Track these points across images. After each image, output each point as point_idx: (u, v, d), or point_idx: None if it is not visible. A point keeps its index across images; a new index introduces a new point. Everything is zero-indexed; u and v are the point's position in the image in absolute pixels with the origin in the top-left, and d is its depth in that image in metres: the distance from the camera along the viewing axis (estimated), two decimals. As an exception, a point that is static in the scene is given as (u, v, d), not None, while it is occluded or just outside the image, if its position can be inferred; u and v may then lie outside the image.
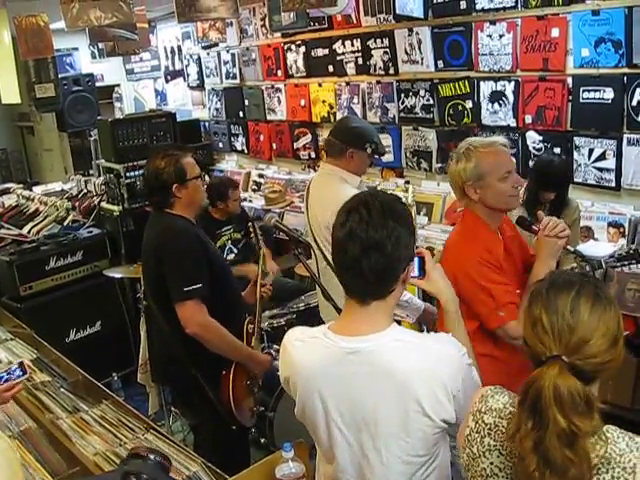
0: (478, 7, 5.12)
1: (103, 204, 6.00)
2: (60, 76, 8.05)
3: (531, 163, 5.10)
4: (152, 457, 1.75)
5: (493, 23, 5.07)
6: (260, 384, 3.77)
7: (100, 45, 7.78)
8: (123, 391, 5.22)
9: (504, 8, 4.96)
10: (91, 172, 7.65)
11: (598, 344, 1.55)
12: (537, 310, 1.64)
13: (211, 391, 3.42)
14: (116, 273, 5.21)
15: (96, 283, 5.53)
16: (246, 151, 8.02)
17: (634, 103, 4.44)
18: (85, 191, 6.73)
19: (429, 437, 1.89)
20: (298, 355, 2.00)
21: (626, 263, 3.46)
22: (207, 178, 6.52)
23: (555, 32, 4.73)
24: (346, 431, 1.93)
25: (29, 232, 5.71)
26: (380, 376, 1.86)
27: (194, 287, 3.20)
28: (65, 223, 5.88)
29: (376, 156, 4.03)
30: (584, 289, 1.61)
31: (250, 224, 4.02)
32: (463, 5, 5.20)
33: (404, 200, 4.90)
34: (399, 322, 3.58)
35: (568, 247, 2.82)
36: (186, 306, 3.22)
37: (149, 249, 3.46)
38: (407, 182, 5.71)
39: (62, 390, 3.34)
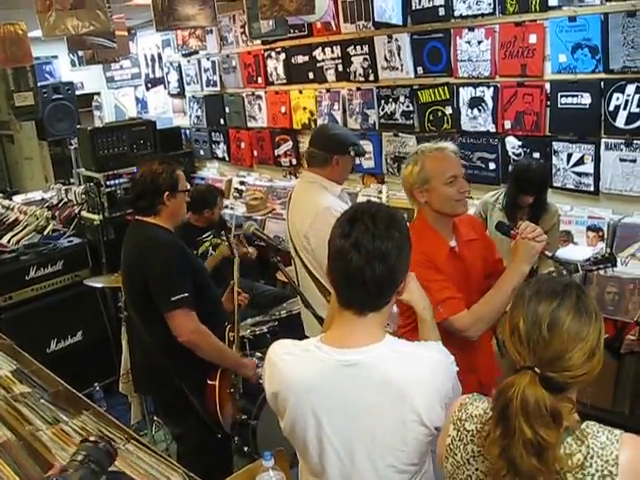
0: (457, 14, 5.15)
1: (83, 213, 5.98)
2: (40, 84, 8.01)
3: (511, 168, 5.13)
4: (101, 444, 1.81)
5: (471, 29, 5.11)
6: (241, 392, 3.78)
7: (80, 53, 7.73)
8: (105, 401, 5.18)
9: (482, 14, 5.00)
10: (72, 181, 7.63)
11: (573, 359, 1.56)
12: (517, 317, 1.65)
13: (195, 400, 3.43)
14: (97, 282, 5.18)
15: (77, 292, 5.49)
16: (227, 158, 8.02)
17: (611, 108, 4.48)
18: (65, 200, 6.70)
19: (423, 445, 1.90)
20: (290, 370, 1.94)
21: (602, 267, 3.50)
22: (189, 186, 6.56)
23: (533, 38, 4.77)
24: (338, 445, 1.90)
25: (9, 242, 5.67)
26: (378, 387, 1.85)
27: (181, 296, 3.22)
28: (45, 232, 5.84)
29: (358, 158, 4.06)
30: (566, 301, 1.62)
31: (223, 232, 4.02)
32: (442, 12, 5.23)
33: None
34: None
35: (546, 252, 2.84)
36: (176, 315, 3.24)
37: (130, 260, 3.46)
38: (380, 192, 5.76)
39: (42, 401, 3.30)
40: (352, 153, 3.80)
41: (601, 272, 4.32)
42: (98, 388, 5.24)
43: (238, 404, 3.79)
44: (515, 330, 1.64)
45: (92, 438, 1.84)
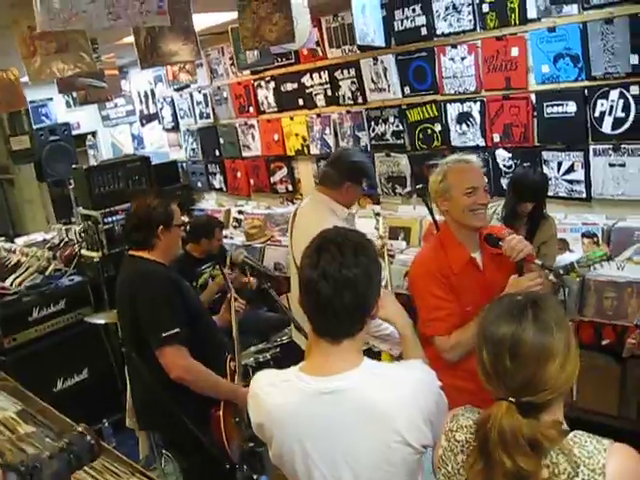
0: (439, 32, 5.22)
1: (83, 251, 6.00)
2: (36, 127, 8.17)
3: (502, 181, 5.18)
4: (88, 437, 1.79)
5: (454, 46, 5.17)
6: (247, 420, 3.73)
7: (74, 94, 7.82)
8: (114, 437, 5.20)
9: (463, 31, 5.06)
10: (73, 220, 7.67)
11: (545, 378, 1.58)
12: (480, 349, 1.69)
13: (201, 432, 3.36)
14: (99, 319, 5.18)
15: (80, 330, 5.50)
16: (224, 189, 8.09)
17: (597, 114, 4.53)
18: (66, 239, 6.73)
19: (411, 464, 1.90)
20: (271, 400, 1.96)
21: (597, 261, 3.54)
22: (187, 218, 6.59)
23: (515, 51, 4.83)
24: (325, 470, 1.90)
25: (11, 284, 5.70)
26: (358, 412, 1.85)
27: (171, 332, 3.18)
28: (47, 273, 5.87)
29: (371, 190, 4.13)
30: (523, 323, 1.63)
31: (218, 266, 3.99)
32: (424, 31, 5.30)
33: (377, 232, 5.01)
34: (379, 353, 3.64)
35: (536, 261, 2.87)
36: (166, 352, 3.21)
37: (123, 296, 3.43)
38: (377, 214, 5.79)
39: (47, 440, 3.33)
40: (364, 185, 3.89)
41: (599, 273, 4.37)
42: (107, 424, 5.25)
43: (244, 433, 3.70)
44: (481, 363, 1.67)
45: (80, 429, 1.82)
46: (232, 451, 3.49)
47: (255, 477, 4.33)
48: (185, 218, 6.42)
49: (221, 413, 3.42)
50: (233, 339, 3.82)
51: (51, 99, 8.76)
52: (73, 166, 6.39)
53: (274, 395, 1.96)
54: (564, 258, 4.69)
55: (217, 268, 5.41)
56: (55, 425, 3.53)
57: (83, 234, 6.02)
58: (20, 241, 7.35)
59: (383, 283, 3.81)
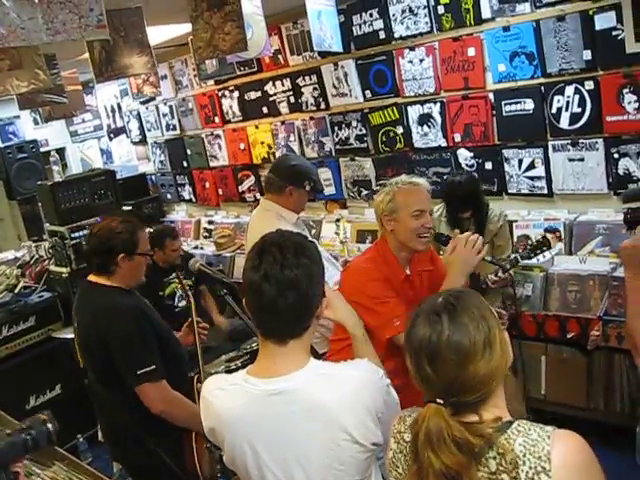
0: (396, 35, 5.27)
1: (52, 267, 5.99)
2: (4, 145, 8.14)
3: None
4: (49, 425, 1.79)
5: (412, 49, 5.22)
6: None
7: (40, 111, 7.80)
8: (90, 452, 5.18)
9: (421, 34, 5.12)
10: (44, 237, 7.64)
11: (467, 380, 1.59)
12: (406, 358, 1.70)
13: (172, 461, 3.25)
14: (69, 334, 5.19)
15: (52, 346, 5.48)
16: (194, 199, 8.09)
17: (554, 110, 4.60)
18: (36, 256, 6.71)
19: (362, 462, 1.92)
20: (220, 404, 1.98)
21: (538, 252, 3.61)
22: (148, 230, 6.54)
23: (471, 51, 4.89)
24: (277, 471, 1.92)
25: (-19, 303, 5.68)
26: (306, 412, 1.87)
27: (149, 369, 3.05)
28: (16, 290, 5.85)
29: (316, 193, 4.14)
30: (438, 326, 1.63)
31: (175, 274, 3.88)
32: (382, 35, 5.35)
33: (339, 238, 5.00)
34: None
35: (485, 258, 2.92)
36: (145, 389, 3.08)
37: (89, 331, 3.22)
38: (337, 220, 5.84)
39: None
40: (307, 188, 3.90)
41: (562, 267, 4.44)
42: (82, 439, 5.23)
43: (215, 457, 3.45)
44: (409, 367, 1.69)
45: (44, 416, 1.82)
46: (204, 478, 3.36)
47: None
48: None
49: (193, 440, 3.31)
50: (199, 363, 3.64)
51: (18, 117, 8.74)
52: (38, 182, 6.36)
53: (222, 399, 1.97)
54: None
55: (186, 278, 5.41)
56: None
57: (51, 250, 6.00)
58: (-10, 260, 7.32)
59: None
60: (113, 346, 3.08)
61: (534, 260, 4.50)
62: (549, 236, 4.75)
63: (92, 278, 3.31)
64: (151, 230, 5.66)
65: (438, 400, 1.61)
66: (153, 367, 3.06)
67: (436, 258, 3.31)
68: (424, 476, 1.58)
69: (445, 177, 5.26)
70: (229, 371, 4.75)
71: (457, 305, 1.66)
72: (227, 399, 1.96)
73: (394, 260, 3.08)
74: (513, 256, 3.91)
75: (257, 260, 1.89)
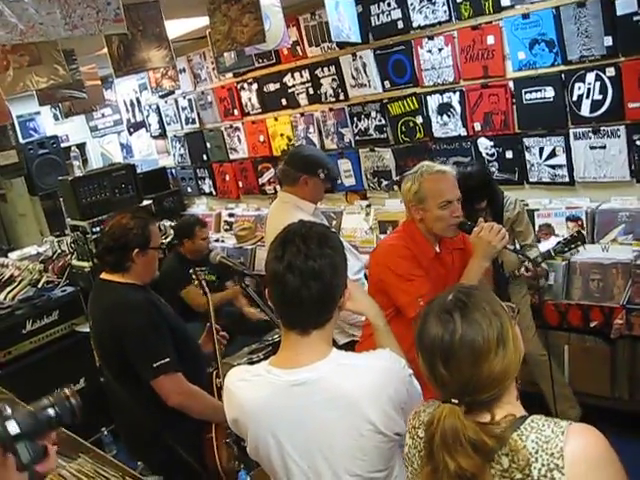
0: (415, 25, 5.23)
1: (74, 262, 6.04)
2: (25, 141, 8.18)
3: (486, 169, 5.20)
4: (73, 402, 1.79)
5: (431, 38, 5.19)
6: (235, 439, 3.45)
7: (60, 106, 7.85)
8: (114, 445, 5.22)
9: (439, 23, 5.08)
10: (66, 232, 7.70)
11: (482, 378, 1.57)
12: (419, 357, 1.68)
13: (192, 458, 3.28)
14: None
15: (75, 340, 5.52)
16: (214, 193, 8.11)
17: (574, 98, 4.55)
18: (59, 251, 6.76)
19: (385, 452, 1.93)
20: (244, 395, 1.98)
21: (572, 247, 3.56)
22: (169, 224, 6.56)
23: (490, 39, 4.85)
24: (301, 461, 1.93)
25: (5, 298, 5.72)
26: (329, 403, 1.87)
27: (163, 362, 3.06)
28: (39, 285, 5.90)
29: (331, 181, 4.13)
30: (449, 328, 1.61)
31: (192, 271, 3.85)
32: (400, 25, 5.32)
33: (366, 225, 4.99)
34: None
35: (508, 246, 2.90)
36: (161, 381, 3.09)
37: (102, 327, 3.26)
38: (368, 206, 5.82)
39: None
40: (321, 176, 3.89)
41: (584, 255, 4.40)
42: (106, 433, 5.27)
43: (235, 454, 3.46)
44: (421, 367, 1.68)
45: (68, 392, 1.82)
46: (227, 475, 3.36)
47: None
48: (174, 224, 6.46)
49: (213, 435, 3.32)
50: (215, 357, 3.64)
51: (38, 113, 8.78)
52: (59, 178, 6.40)
53: (245, 390, 1.98)
54: (550, 243, 4.73)
55: (211, 273, 5.39)
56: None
57: (73, 245, 6.04)
58: (14, 255, 7.38)
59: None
60: (127, 340, 3.10)
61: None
62: (571, 225, 4.75)
63: (105, 276, 3.33)
64: (173, 223, 5.69)
65: (453, 400, 1.59)
66: (168, 359, 3.07)
67: (466, 238, 3.28)
68: (439, 478, 1.57)
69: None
70: (251, 363, 4.76)
71: (468, 302, 1.64)
72: (250, 390, 1.97)
73: (423, 239, 3.08)
74: (546, 249, 3.87)
75: (280, 251, 1.89)
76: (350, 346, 3.58)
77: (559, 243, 3.87)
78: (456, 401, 1.58)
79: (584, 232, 3.87)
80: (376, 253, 3.18)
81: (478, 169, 4.39)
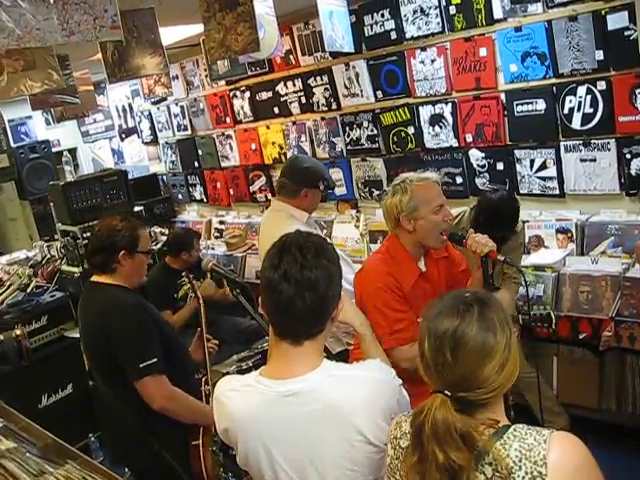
0: (408, 36, 5.27)
1: (64, 267, 6.01)
2: (16, 145, 8.16)
3: (477, 180, 5.23)
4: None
5: (424, 49, 5.22)
6: (221, 446, 3.50)
7: (52, 111, 7.85)
8: (101, 451, 5.19)
9: (432, 34, 5.12)
10: (56, 237, 7.67)
11: (482, 376, 1.59)
12: (422, 342, 1.69)
13: (179, 465, 3.23)
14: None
15: (64, 345, 5.46)
16: (205, 200, 8.12)
17: (565, 111, 4.59)
18: (48, 256, 6.73)
19: (375, 462, 1.92)
20: (234, 405, 1.97)
21: (540, 324, 3.55)
22: (159, 230, 6.55)
23: (483, 51, 4.88)
24: (291, 471, 1.92)
25: (-7, 303, 5.70)
26: (319, 414, 1.87)
27: (150, 362, 3.03)
28: (28, 290, 5.87)
29: (329, 191, 4.15)
30: (467, 319, 1.63)
31: (184, 274, 3.86)
32: (394, 35, 5.35)
33: (357, 231, 4.98)
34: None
35: (499, 257, 2.90)
36: (146, 383, 3.06)
37: (91, 327, 3.26)
38: (358, 211, 5.83)
39: (28, 455, 3.32)
40: (322, 187, 3.90)
41: (570, 267, 4.42)
42: (93, 439, 5.24)
43: (221, 461, 3.52)
44: (422, 354, 1.68)
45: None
46: None
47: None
48: (165, 230, 6.46)
49: (200, 442, 3.31)
50: (205, 364, 3.68)
51: (30, 117, 8.78)
52: (50, 182, 6.38)
53: (236, 400, 1.97)
54: (539, 255, 4.75)
55: (197, 279, 5.39)
56: (38, 441, 3.54)
57: (63, 250, 6.02)
58: (3, 259, 7.35)
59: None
60: (115, 341, 3.08)
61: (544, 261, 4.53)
62: (561, 237, 4.78)
63: (95, 278, 3.32)
64: (164, 230, 5.68)
65: (446, 392, 1.60)
66: (155, 360, 3.05)
67: (449, 245, 3.28)
68: (426, 469, 1.57)
69: (455, 177, 5.30)
70: (240, 371, 4.79)
71: (487, 302, 1.68)
72: (240, 400, 1.97)
73: (407, 258, 3.04)
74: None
75: (277, 259, 1.89)
76: (344, 355, 3.58)
77: (527, 315, 3.84)
78: (449, 393, 1.59)
79: (554, 317, 3.84)
80: (360, 277, 3.11)
81: (510, 197, 4.13)
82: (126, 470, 4.47)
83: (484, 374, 1.59)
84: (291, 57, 6.18)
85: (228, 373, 4.56)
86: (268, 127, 6.85)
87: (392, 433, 1.80)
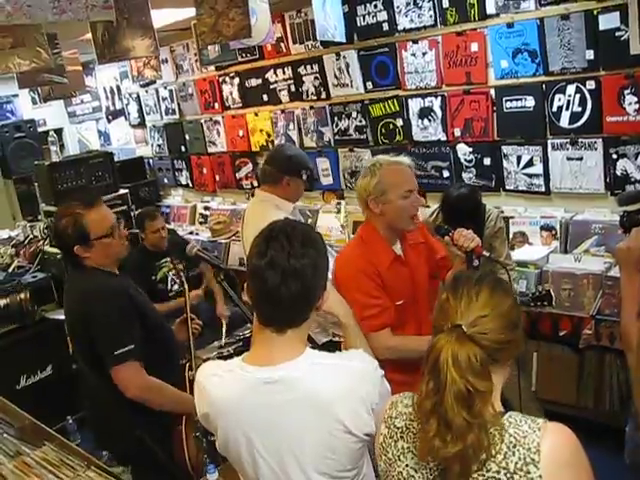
0: (400, 28, 5.26)
1: (47, 248, 5.98)
2: (1, 123, 8.11)
3: (464, 175, 5.24)
4: None
5: (415, 42, 5.21)
6: (205, 433, 3.32)
7: (40, 90, 7.78)
8: (79, 433, 5.17)
9: (424, 27, 5.11)
10: (39, 217, 7.63)
11: (495, 322, 1.63)
12: (444, 295, 1.72)
13: (160, 450, 3.21)
14: (62, 315, 5.15)
15: (44, 327, 5.46)
16: (191, 185, 8.09)
17: (554, 109, 4.60)
18: (31, 236, 6.70)
19: (354, 452, 1.93)
20: (215, 390, 1.97)
21: (539, 304, 3.57)
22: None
23: (474, 46, 4.88)
24: (270, 459, 1.92)
25: (-26, 281, 5.66)
26: (300, 402, 1.87)
27: (125, 349, 3.00)
28: (10, 269, 5.84)
29: (312, 182, 4.14)
30: (485, 280, 1.71)
31: (169, 259, 3.81)
32: (386, 27, 5.34)
33: (338, 222, 4.97)
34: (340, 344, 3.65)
35: (484, 253, 2.91)
36: (120, 370, 3.02)
37: (75, 314, 3.22)
38: (338, 203, 5.83)
39: (5, 436, 3.31)
40: (304, 177, 3.90)
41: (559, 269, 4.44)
42: (71, 421, 5.22)
43: (204, 447, 3.29)
44: (444, 302, 1.71)
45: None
46: (195, 471, 3.30)
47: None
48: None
49: (183, 428, 3.29)
50: (189, 347, 3.63)
51: (16, 95, 8.70)
52: (35, 162, 6.34)
53: (217, 385, 1.97)
54: (523, 251, 4.78)
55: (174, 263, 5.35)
56: (15, 422, 3.53)
57: (46, 230, 5.99)
58: (-16, 239, 7.30)
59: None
60: (93, 325, 3.04)
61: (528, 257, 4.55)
62: (545, 234, 4.80)
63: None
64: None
65: (463, 327, 1.62)
66: (131, 347, 3.01)
67: (425, 232, 3.27)
68: (442, 397, 1.59)
69: (442, 170, 5.32)
70: (222, 357, 4.76)
71: (499, 279, 1.82)
72: (222, 386, 1.96)
73: (381, 242, 3.03)
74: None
75: (264, 246, 1.88)
76: (330, 345, 3.58)
77: (526, 296, 3.86)
78: (465, 329, 1.62)
79: (553, 294, 3.86)
80: (337, 264, 3.09)
81: (470, 194, 4.26)
82: (103, 453, 4.46)
83: (496, 322, 1.64)
84: (282, 45, 6.16)
85: (209, 359, 4.54)
86: (256, 114, 6.83)
87: (387, 412, 1.81)
